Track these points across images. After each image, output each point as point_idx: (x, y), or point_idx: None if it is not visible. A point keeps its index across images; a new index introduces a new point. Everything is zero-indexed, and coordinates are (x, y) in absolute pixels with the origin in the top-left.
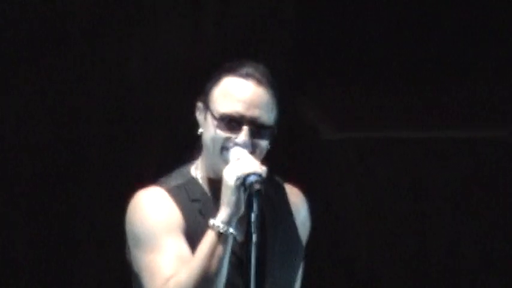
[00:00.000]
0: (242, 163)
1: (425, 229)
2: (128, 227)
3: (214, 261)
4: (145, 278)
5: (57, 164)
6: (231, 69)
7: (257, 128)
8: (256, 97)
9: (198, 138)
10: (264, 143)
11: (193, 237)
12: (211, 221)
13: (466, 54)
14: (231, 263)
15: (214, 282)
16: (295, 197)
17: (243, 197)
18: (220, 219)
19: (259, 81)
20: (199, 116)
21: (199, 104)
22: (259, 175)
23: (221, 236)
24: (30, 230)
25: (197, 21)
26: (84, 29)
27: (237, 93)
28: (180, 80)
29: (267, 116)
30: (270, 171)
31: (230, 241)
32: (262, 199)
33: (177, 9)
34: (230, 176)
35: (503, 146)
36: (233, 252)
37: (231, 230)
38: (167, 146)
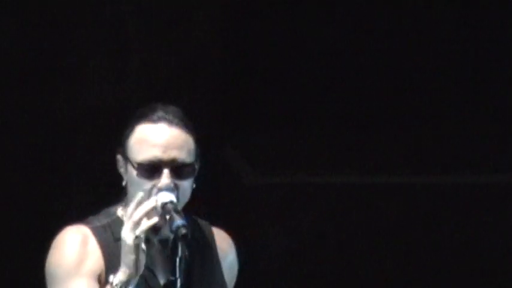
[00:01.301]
0: (141, 221)
1: (348, 274)
2: (46, 263)
3: None
4: None
5: None
6: (142, 116)
7: (178, 169)
8: (170, 138)
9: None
10: (187, 183)
11: None
12: (111, 278)
13: (391, 101)
14: None
15: None
16: (223, 240)
17: (143, 257)
18: (119, 278)
19: (171, 122)
20: (121, 168)
21: (119, 157)
22: (185, 219)
23: None
24: None
25: (124, 65)
26: (13, 70)
27: (151, 138)
28: (105, 122)
29: (185, 154)
30: (198, 214)
31: None
32: (189, 243)
33: (104, 51)
34: (128, 235)
35: (429, 192)
36: None
37: None
38: (98, 186)
